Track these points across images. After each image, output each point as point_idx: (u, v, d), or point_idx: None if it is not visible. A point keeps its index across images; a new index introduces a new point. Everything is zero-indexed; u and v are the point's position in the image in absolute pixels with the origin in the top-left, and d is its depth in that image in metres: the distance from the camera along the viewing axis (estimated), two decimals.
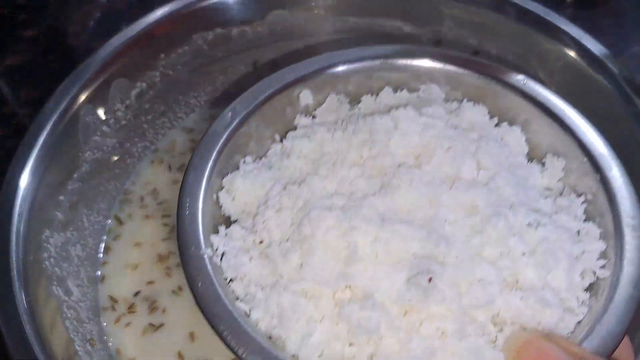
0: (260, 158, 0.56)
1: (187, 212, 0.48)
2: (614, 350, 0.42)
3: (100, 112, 0.71)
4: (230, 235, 0.49)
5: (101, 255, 0.71)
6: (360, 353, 0.43)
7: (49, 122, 0.65)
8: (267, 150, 0.57)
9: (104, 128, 0.72)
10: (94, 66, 0.70)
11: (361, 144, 0.53)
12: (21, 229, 0.58)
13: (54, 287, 0.61)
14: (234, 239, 0.49)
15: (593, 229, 0.50)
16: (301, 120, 0.58)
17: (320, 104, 0.59)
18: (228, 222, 0.52)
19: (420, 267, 0.44)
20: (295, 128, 0.59)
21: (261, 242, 0.49)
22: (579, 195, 0.53)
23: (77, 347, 0.59)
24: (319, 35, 0.83)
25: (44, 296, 0.59)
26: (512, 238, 0.46)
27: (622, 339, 0.43)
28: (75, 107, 0.67)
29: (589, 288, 0.48)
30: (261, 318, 0.44)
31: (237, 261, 0.47)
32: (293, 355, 0.43)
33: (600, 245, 0.49)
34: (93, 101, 0.69)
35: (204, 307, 0.43)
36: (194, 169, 0.50)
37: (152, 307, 0.67)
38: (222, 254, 0.48)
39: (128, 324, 0.66)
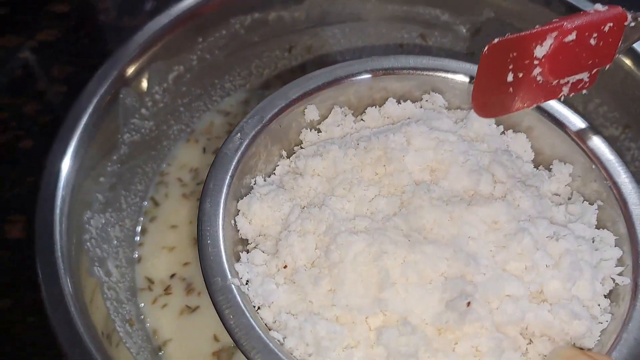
0: (269, 176, 0.56)
1: (209, 241, 0.48)
2: None
3: (139, 95, 0.71)
4: (252, 261, 0.49)
5: (138, 237, 0.72)
6: None
7: (90, 104, 0.66)
8: (275, 167, 0.57)
9: (143, 110, 0.72)
10: (133, 49, 0.70)
11: (375, 161, 0.53)
12: (65, 210, 0.59)
13: (95, 268, 0.62)
14: (257, 265, 0.49)
15: (608, 236, 0.51)
16: (307, 136, 0.58)
17: (324, 117, 0.59)
18: (245, 244, 0.52)
19: (456, 290, 0.44)
20: (300, 143, 0.59)
21: (285, 266, 0.49)
22: (587, 201, 0.53)
23: (117, 327, 0.60)
24: (356, 22, 0.82)
25: (86, 277, 0.60)
26: (538, 252, 0.47)
27: None
28: (115, 89, 0.68)
29: (609, 295, 0.48)
30: (295, 346, 0.44)
31: (264, 289, 0.47)
32: None
33: (617, 252, 0.49)
34: (132, 83, 0.70)
35: (238, 340, 0.43)
36: (210, 195, 0.50)
37: (189, 289, 0.68)
38: (247, 282, 0.48)
39: (164, 305, 0.67)
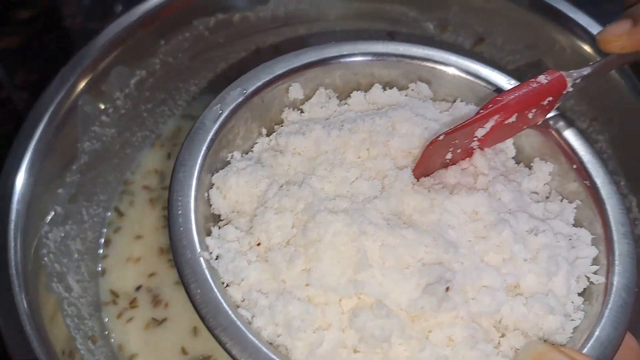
0: (246, 153, 0.55)
1: (180, 212, 0.46)
2: (614, 355, 0.44)
3: (99, 101, 0.69)
4: (224, 237, 0.47)
5: (101, 249, 0.70)
6: None
7: (46, 113, 0.63)
8: (254, 145, 0.55)
9: (103, 118, 0.70)
10: (92, 53, 0.67)
11: (359, 144, 0.52)
12: (20, 225, 0.56)
13: (54, 284, 0.59)
14: (229, 241, 0.47)
15: (585, 235, 0.50)
16: (289, 115, 0.57)
17: (307, 98, 0.58)
18: (217, 221, 0.50)
19: (435, 275, 0.43)
20: (281, 122, 0.57)
21: (258, 244, 0.47)
22: (564, 200, 0.53)
23: (78, 346, 0.58)
24: (323, 21, 0.81)
25: (44, 294, 0.58)
26: (517, 245, 0.46)
27: (620, 344, 0.44)
28: (74, 96, 0.65)
29: (582, 293, 0.48)
30: (264, 326, 0.43)
31: (235, 265, 0.45)
32: None
33: (593, 251, 0.49)
34: (92, 90, 0.67)
35: (204, 316, 0.42)
36: (183, 164, 0.48)
37: (155, 301, 0.66)
38: (217, 257, 0.46)
39: (130, 319, 0.65)
